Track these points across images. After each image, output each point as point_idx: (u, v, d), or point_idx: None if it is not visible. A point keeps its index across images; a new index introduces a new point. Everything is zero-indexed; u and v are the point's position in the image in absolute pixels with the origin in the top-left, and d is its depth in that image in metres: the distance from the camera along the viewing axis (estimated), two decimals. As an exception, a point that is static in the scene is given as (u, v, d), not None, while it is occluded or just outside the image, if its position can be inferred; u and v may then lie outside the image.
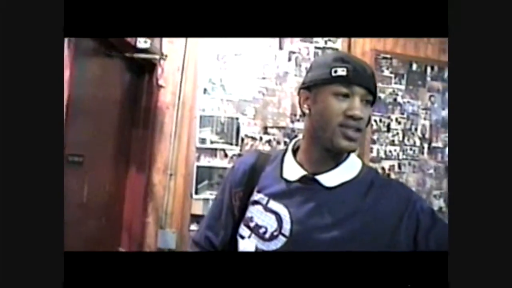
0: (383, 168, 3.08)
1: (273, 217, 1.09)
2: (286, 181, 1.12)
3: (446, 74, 3.26)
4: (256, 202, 1.14)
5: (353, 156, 1.14)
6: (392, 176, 3.09)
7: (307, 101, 1.11)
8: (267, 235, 1.08)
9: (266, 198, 1.12)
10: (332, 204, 1.06)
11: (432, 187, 3.19)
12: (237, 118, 2.83)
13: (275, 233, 1.07)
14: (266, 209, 1.11)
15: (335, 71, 1.04)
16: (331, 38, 3.01)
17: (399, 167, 3.13)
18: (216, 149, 2.79)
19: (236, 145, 2.82)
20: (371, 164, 3.02)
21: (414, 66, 3.22)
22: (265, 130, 2.88)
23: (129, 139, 2.67)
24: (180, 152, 2.77)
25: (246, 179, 1.19)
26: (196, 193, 2.74)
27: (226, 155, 2.80)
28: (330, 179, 1.08)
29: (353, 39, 3.07)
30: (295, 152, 1.17)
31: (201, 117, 2.79)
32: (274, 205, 1.10)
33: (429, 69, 3.25)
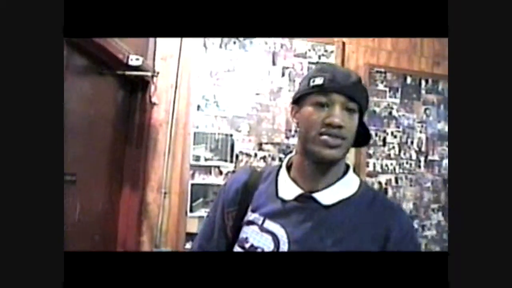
0: (379, 182, 3.06)
1: (269, 237, 1.06)
2: (282, 200, 1.10)
3: (440, 87, 3.27)
4: (251, 222, 1.11)
5: (351, 173, 1.13)
6: (389, 190, 3.07)
7: (296, 115, 1.12)
8: None
9: (261, 218, 1.10)
10: (330, 223, 1.05)
11: (430, 201, 3.15)
12: (231, 135, 2.81)
13: None
14: (262, 229, 1.08)
15: (313, 81, 1.05)
16: (325, 53, 3.01)
17: (396, 181, 3.11)
18: (210, 166, 2.77)
19: (231, 162, 2.79)
20: (367, 179, 3.00)
21: (409, 80, 3.21)
22: (260, 146, 2.86)
23: (122, 157, 2.64)
24: (174, 170, 2.75)
25: (239, 198, 1.17)
26: (191, 211, 2.71)
27: (221, 172, 2.77)
28: (327, 197, 1.07)
29: (346, 54, 3.08)
30: (289, 168, 1.16)
31: (195, 134, 2.77)
32: (270, 225, 1.07)
33: (423, 82, 3.24)
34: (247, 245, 1.09)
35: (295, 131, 2.89)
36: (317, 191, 1.07)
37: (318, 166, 1.08)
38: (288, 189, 1.11)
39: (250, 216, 1.12)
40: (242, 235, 1.11)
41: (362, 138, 1.10)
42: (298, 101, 1.11)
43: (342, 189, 1.09)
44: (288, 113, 2.88)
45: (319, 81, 1.04)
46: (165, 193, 2.71)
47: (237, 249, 1.11)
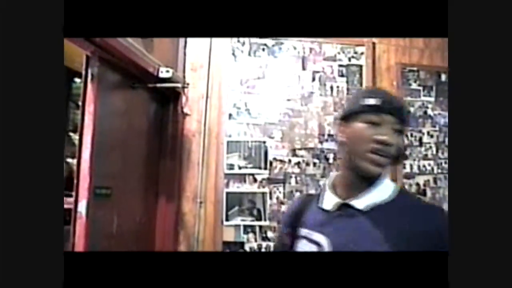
0: (417, 184, 2.98)
1: (314, 247, 1.15)
2: (324, 210, 1.20)
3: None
4: (302, 237, 1.21)
5: (386, 180, 1.18)
6: (428, 191, 2.99)
7: (344, 131, 1.19)
8: None
9: (308, 231, 1.19)
10: (367, 228, 1.09)
11: (471, 201, 3.06)
12: (264, 142, 2.81)
13: None
14: (310, 241, 1.17)
15: (368, 101, 1.13)
16: (355, 55, 2.98)
17: (435, 181, 3.02)
18: (244, 174, 2.77)
19: (265, 169, 2.79)
20: (405, 181, 2.94)
21: (443, 77, 3.13)
22: (294, 152, 2.84)
23: (157, 168, 2.67)
24: (208, 179, 2.76)
25: (293, 219, 1.27)
26: (227, 219, 2.71)
27: (255, 180, 2.76)
28: (362, 202, 1.13)
29: (377, 54, 3.03)
30: (334, 185, 1.24)
31: (228, 142, 2.78)
32: (315, 236, 1.16)
33: (458, 79, 3.15)
34: None
35: (328, 135, 2.87)
36: (353, 198, 1.14)
37: (359, 178, 1.15)
38: (329, 200, 1.20)
39: (302, 231, 1.22)
40: (296, 249, 1.21)
41: (398, 156, 1.17)
42: (346, 118, 1.18)
43: (377, 195, 1.14)
44: (320, 118, 2.86)
45: (374, 101, 1.12)
46: (200, 202, 2.72)
47: None
